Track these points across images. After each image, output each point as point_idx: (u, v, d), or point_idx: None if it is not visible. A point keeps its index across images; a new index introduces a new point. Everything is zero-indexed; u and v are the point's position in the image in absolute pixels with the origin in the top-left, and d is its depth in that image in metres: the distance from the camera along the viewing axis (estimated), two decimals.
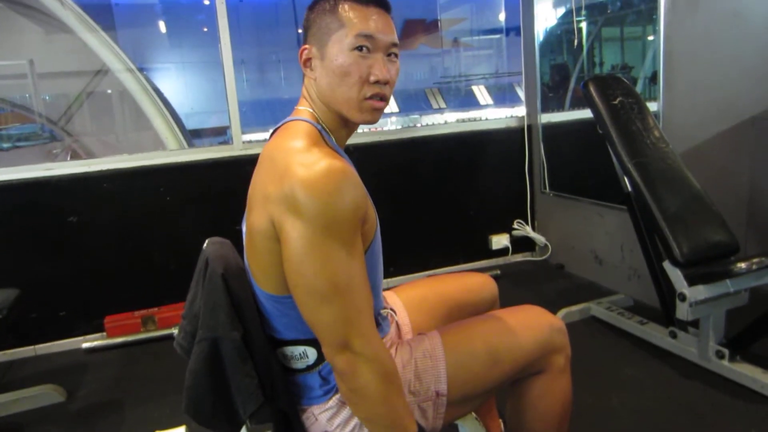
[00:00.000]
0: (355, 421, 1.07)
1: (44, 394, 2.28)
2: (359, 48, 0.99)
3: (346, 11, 1.00)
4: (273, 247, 0.95)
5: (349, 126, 1.10)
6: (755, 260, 1.87)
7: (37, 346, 2.79)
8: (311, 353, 1.08)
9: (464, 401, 1.17)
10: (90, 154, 5.09)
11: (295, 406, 1.09)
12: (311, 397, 1.10)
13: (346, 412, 1.08)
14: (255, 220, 0.97)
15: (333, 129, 1.08)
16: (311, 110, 1.06)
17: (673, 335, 2.24)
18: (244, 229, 1.07)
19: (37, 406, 2.25)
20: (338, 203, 0.89)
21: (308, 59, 1.05)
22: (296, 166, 0.90)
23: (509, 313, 1.27)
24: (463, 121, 3.61)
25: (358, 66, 1.00)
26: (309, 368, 1.09)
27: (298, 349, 1.08)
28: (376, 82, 1.01)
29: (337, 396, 1.08)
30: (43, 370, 2.60)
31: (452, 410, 1.15)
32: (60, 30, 4.61)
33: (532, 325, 1.23)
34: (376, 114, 1.04)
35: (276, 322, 1.07)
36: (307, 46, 1.04)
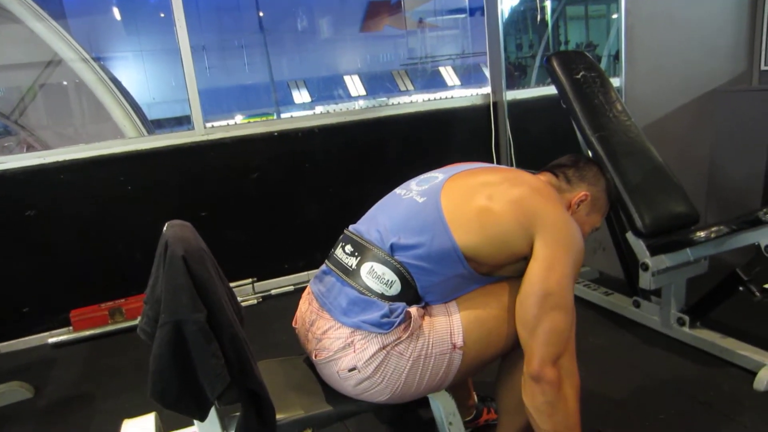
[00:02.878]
0: (383, 369, 1.14)
1: (10, 392, 2.22)
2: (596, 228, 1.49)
3: (607, 205, 1.48)
4: (511, 241, 1.16)
5: None
6: (714, 229, 1.92)
7: (0, 344, 2.71)
8: (395, 288, 1.16)
9: (474, 363, 1.22)
10: (46, 148, 4.95)
11: (263, 386, 1.09)
12: (364, 321, 1.15)
13: (382, 356, 1.13)
14: (506, 213, 1.17)
15: None
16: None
17: (637, 305, 2.30)
18: (439, 177, 1.28)
19: (3, 404, 2.19)
20: (583, 251, 1.19)
21: (581, 203, 1.40)
22: (566, 213, 1.23)
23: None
24: (428, 100, 3.60)
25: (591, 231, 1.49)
26: (382, 296, 1.16)
27: (390, 276, 1.16)
28: None
29: (382, 337, 1.14)
30: (8, 368, 2.53)
31: (464, 371, 1.21)
32: (6, 19, 4.42)
33: None
34: None
35: (419, 251, 1.16)
36: (588, 195, 1.40)
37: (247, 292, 3.04)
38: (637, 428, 1.69)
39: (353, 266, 1.22)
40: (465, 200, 1.21)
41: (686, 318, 2.08)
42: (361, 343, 1.15)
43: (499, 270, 1.24)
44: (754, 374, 1.83)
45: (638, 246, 2.03)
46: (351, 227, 1.34)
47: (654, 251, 1.99)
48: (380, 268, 1.18)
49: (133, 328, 2.73)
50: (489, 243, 1.17)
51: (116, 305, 2.79)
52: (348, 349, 1.16)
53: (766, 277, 1.88)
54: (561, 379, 1.10)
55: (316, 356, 1.24)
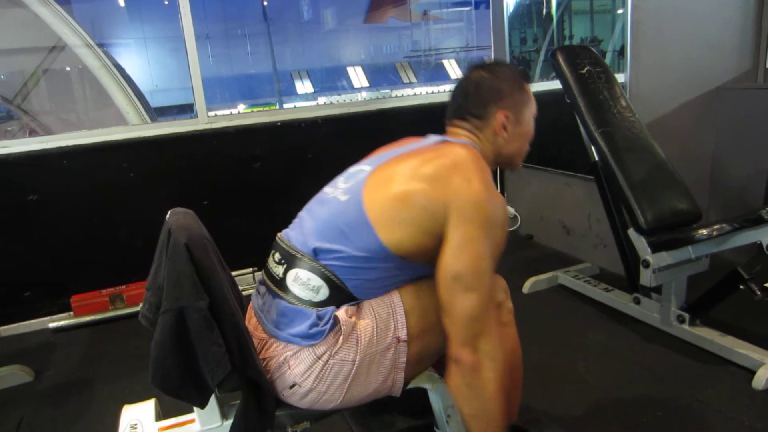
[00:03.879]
0: (323, 375, 1.11)
1: (11, 375, 2.23)
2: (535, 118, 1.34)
3: (528, 89, 1.33)
4: (427, 224, 1.10)
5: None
6: (716, 227, 1.92)
7: (1, 328, 2.72)
8: (323, 293, 1.12)
9: (423, 355, 1.20)
10: (49, 133, 4.94)
11: (263, 374, 1.09)
12: (293, 334, 1.12)
13: (318, 365, 1.10)
14: (420, 192, 1.11)
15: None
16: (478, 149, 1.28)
17: (637, 301, 2.30)
18: (366, 169, 1.22)
19: (3, 387, 2.20)
20: (504, 227, 1.13)
21: (505, 124, 1.28)
22: (489, 187, 1.12)
23: None
24: (433, 93, 3.60)
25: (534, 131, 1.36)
26: (310, 303, 1.12)
27: (317, 281, 1.12)
28: None
29: (314, 348, 1.10)
30: (9, 352, 2.54)
31: (412, 365, 1.19)
32: (11, 3, 4.40)
33: None
34: None
35: (343, 253, 1.12)
36: (507, 113, 1.27)
37: (247, 281, 3.04)
38: (635, 424, 1.69)
39: (280, 275, 1.17)
40: (386, 193, 1.14)
41: (686, 315, 2.08)
42: (294, 360, 1.11)
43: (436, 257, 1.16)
44: (753, 373, 1.83)
45: (640, 243, 2.03)
46: (282, 232, 1.27)
47: (655, 248, 1.99)
48: (305, 274, 1.13)
49: (133, 315, 2.74)
50: (412, 233, 1.11)
51: (117, 292, 2.80)
52: (283, 367, 1.12)
53: (767, 276, 1.88)
54: (479, 363, 1.08)
55: None
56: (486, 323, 1.08)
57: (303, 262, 1.14)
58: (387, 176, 1.17)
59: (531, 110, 1.33)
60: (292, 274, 1.14)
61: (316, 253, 1.14)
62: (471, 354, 1.07)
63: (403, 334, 1.15)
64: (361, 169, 1.25)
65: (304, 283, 1.13)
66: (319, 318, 1.11)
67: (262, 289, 1.25)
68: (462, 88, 1.32)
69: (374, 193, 1.14)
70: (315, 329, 1.10)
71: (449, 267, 1.07)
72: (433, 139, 1.31)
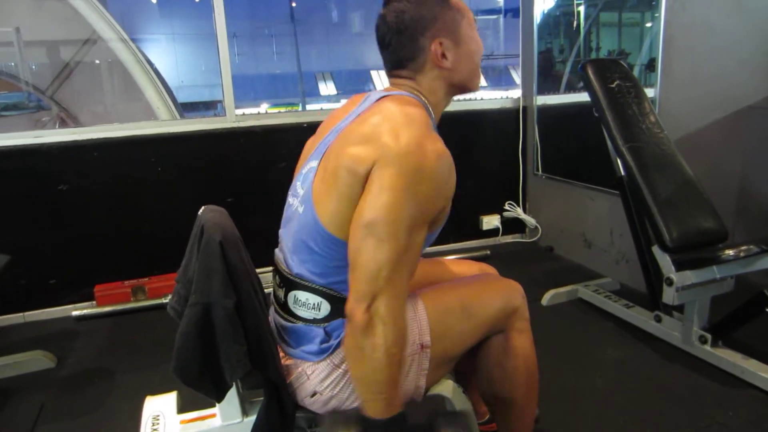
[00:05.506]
0: (344, 383, 1.11)
1: (34, 360, 2.28)
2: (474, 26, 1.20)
3: (455, 2, 1.17)
4: (355, 190, 1.00)
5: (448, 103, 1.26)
6: (743, 248, 1.90)
7: (26, 313, 2.78)
8: (324, 308, 1.10)
9: (443, 359, 1.21)
10: (79, 124, 5.02)
11: (283, 377, 1.10)
12: (307, 351, 1.13)
13: (338, 373, 1.10)
14: (348, 157, 1.02)
15: (435, 112, 1.20)
16: (421, 95, 1.17)
17: (658, 319, 2.28)
18: (314, 165, 1.13)
19: (26, 371, 2.25)
20: (441, 182, 1.01)
21: (441, 51, 1.14)
22: (420, 139, 1.00)
23: (475, 278, 1.40)
24: (457, 100, 3.60)
25: (481, 43, 1.24)
26: (315, 321, 1.12)
27: (315, 299, 1.10)
28: None
29: (331, 359, 1.10)
30: (32, 337, 2.59)
31: (433, 370, 1.18)
32: None
33: (495, 286, 1.34)
34: None
35: (315, 263, 1.09)
36: (440, 40, 1.13)
37: (267, 279, 3.07)
38: None
39: (282, 299, 1.17)
40: (330, 191, 1.06)
41: (708, 336, 2.05)
42: (312, 371, 1.12)
43: None
44: None
45: (664, 260, 2.01)
46: (276, 251, 1.27)
47: (680, 266, 1.97)
48: (303, 295, 1.12)
49: (154, 308, 2.78)
50: (347, 208, 1.03)
51: (139, 283, 2.84)
52: (302, 378, 1.13)
53: None
54: (371, 324, 0.95)
55: None
56: (392, 285, 0.96)
57: (297, 283, 1.13)
58: (329, 170, 1.08)
59: (466, 24, 1.18)
60: (291, 297, 1.14)
61: (301, 274, 1.12)
62: (363, 312, 0.94)
63: (426, 339, 1.15)
64: (310, 167, 1.15)
65: (304, 304, 1.12)
66: (328, 334, 1.11)
67: (271, 310, 1.26)
68: (382, 33, 1.17)
69: (326, 199, 1.06)
70: (325, 345, 1.11)
71: (363, 215, 0.97)
72: (372, 98, 1.18)
